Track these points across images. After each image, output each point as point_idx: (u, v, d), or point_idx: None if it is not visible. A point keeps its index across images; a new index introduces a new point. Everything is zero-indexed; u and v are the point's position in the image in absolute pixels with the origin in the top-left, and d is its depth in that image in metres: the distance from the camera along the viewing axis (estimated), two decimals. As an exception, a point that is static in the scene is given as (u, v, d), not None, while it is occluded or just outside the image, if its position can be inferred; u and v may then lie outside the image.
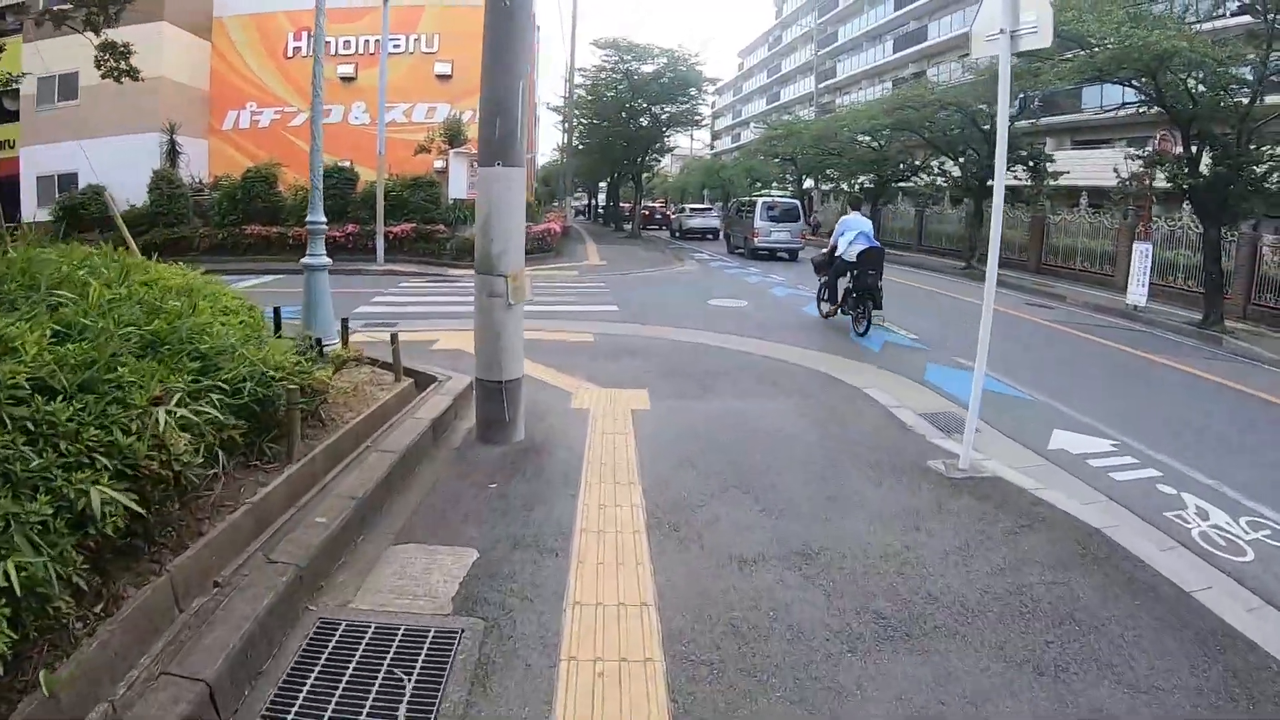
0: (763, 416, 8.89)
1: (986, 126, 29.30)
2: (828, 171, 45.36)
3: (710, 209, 55.46)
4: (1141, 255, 20.19)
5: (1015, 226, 31.67)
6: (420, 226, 26.52)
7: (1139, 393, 11.95)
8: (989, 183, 30.18)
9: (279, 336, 10.06)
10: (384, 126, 25.55)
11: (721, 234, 42.61)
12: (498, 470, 6.82)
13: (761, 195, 43.17)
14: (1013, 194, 32.71)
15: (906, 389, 10.93)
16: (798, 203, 36.94)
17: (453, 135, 28.72)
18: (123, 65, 12.72)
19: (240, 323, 6.76)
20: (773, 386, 10.50)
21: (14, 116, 33.81)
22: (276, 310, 10.62)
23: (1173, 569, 5.47)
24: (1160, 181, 20.67)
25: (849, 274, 15.28)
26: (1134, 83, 19.66)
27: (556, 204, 47.20)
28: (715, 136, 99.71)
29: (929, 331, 15.58)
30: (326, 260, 11.00)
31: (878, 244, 15.51)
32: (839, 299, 15.96)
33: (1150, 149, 20.93)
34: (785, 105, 75.04)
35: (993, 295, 7.25)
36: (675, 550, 5.36)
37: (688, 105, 43.28)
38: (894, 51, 58.87)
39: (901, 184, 40.50)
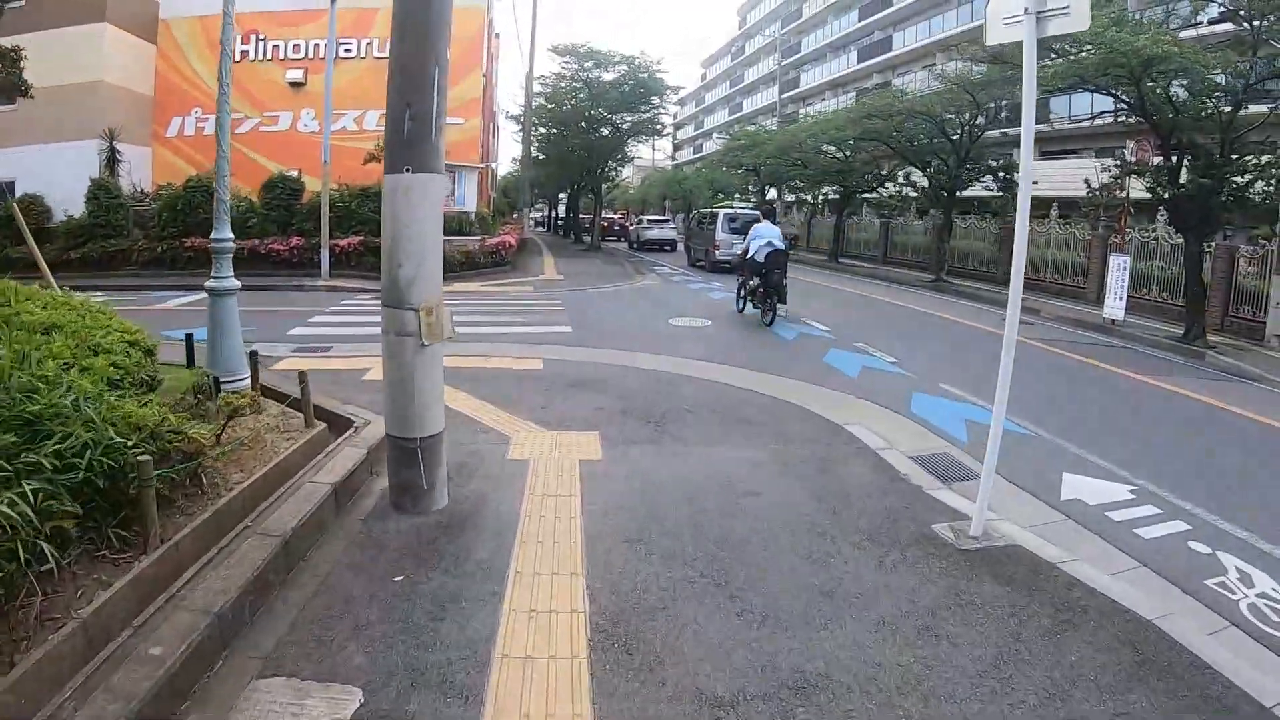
0: (735, 470, 7.60)
1: (956, 135, 28.40)
2: (794, 182, 44.39)
3: (668, 220, 55.13)
4: (1119, 268, 19.18)
5: (983, 238, 30.94)
6: (369, 239, 25.00)
7: (1141, 422, 10.75)
8: (958, 193, 29.47)
9: (192, 368, 8.76)
10: (329, 134, 24.10)
11: (682, 246, 41.70)
12: (408, 554, 5.47)
13: (723, 206, 41.34)
14: (980, 205, 32.00)
15: (892, 424, 9.70)
16: (759, 214, 34.61)
17: (403, 144, 27.27)
18: (12, 76, 11.14)
19: (112, 365, 5.54)
20: (744, 426, 9.20)
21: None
22: (189, 338, 9.29)
23: (1248, 678, 4.36)
24: (1139, 191, 19.74)
25: (760, 274, 17.56)
26: (1113, 91, 18.64)
27: (515, 215, 45.55)
28: (677, 147, 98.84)
29: (908, 354, 14.34)
30: (234, 284, 9.56)
31: (782, 248, 17.60)
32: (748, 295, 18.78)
33: (1127, 158, 20.05)
34: (748, 116, 74.01)
35: (1015, 326, 5.97)
36: (626, 687, 4.02)
37: (649, 114, 41.97)
38: (858, 61, 58.10)
39: (866, 195, 39.63)
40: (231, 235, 9.65)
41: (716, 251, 30.31)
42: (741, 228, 29.07)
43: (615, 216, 64.85)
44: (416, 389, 5.85)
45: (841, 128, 33.58)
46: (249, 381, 8.97)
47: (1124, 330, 18.64)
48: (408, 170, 5.63)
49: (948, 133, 28.69)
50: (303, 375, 7.99)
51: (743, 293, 18.99)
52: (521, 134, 42.75)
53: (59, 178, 27.35)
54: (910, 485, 7.40)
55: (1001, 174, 29.54)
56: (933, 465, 8.16)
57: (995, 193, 29.96)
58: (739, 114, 79.29)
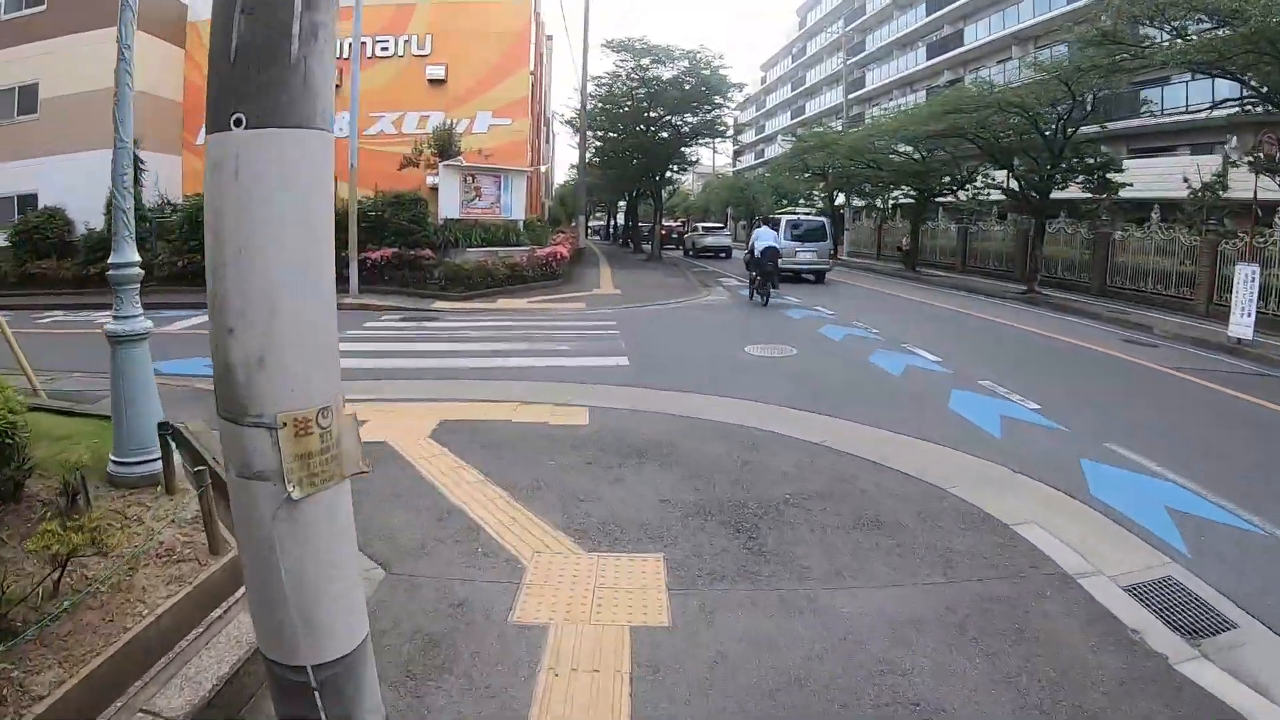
0: (887, 646, 4.52)
1: (1049, 130, 24.97)
2: (863, 186, 41.19)
3: (723, 227, 52.97)
4: (1246, 279, 15.97)
5: (1071, 244, 27.99)
6: (403, 251, 22.32)
7: None
8: (1052, 195, 26.13)
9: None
10: (355, 134, 21.42)
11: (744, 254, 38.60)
12: None
13: (786, 213, 39.46)
14: (1069, 208, 28.60)
15: (1073, 517, 6.67)
16: (824, 220, 33.29)
17: (444, 146, 24.48)
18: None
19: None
20: (878, 534, 6.08)
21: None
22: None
23: None
24: (1270, 190, 16.55)
25: (759, 267, 21.51)
26: (1240, 76, 15.40)
27: (573, 224, 42.51)
28: (738, 153, 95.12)
29: (1045, 394, 10.99)
30: (142, 327, 6.59)
31: (777, 247, 21.91)
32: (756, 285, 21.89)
33: (1228, 154, 16.81)
34: (811, 119, 70.23)
35: None
36: None
37: (711, 114, 38.87)
38: (927, 58, 54.38)
39: (942, 199, 36.55)
40: (137, 259, 6.60)
41: (780, 259, 27.33)
42: (804, 234, 29.64)
43: (675, 224, 62.09)
44: (290, 581, 2.71)
45: (923, 122, 30.09)
46: (160, 464, 6.13)
47: (1255, 351, 15.39)
48: (239, 123, 2.45)
49: (1041, 127, 25.26)
50: (201, 477, 5.06)
51: (755, 284, 22.06)
52: (575, 134, 39.95)
53: (80, 189, 25.18)
54: (1151, 656, 4.48)
55: (1098, 173, 26.34)
56: (1162, 604, 5.21)
57: (1088, 194, 27.12)
58: (801, 117, 75.66)
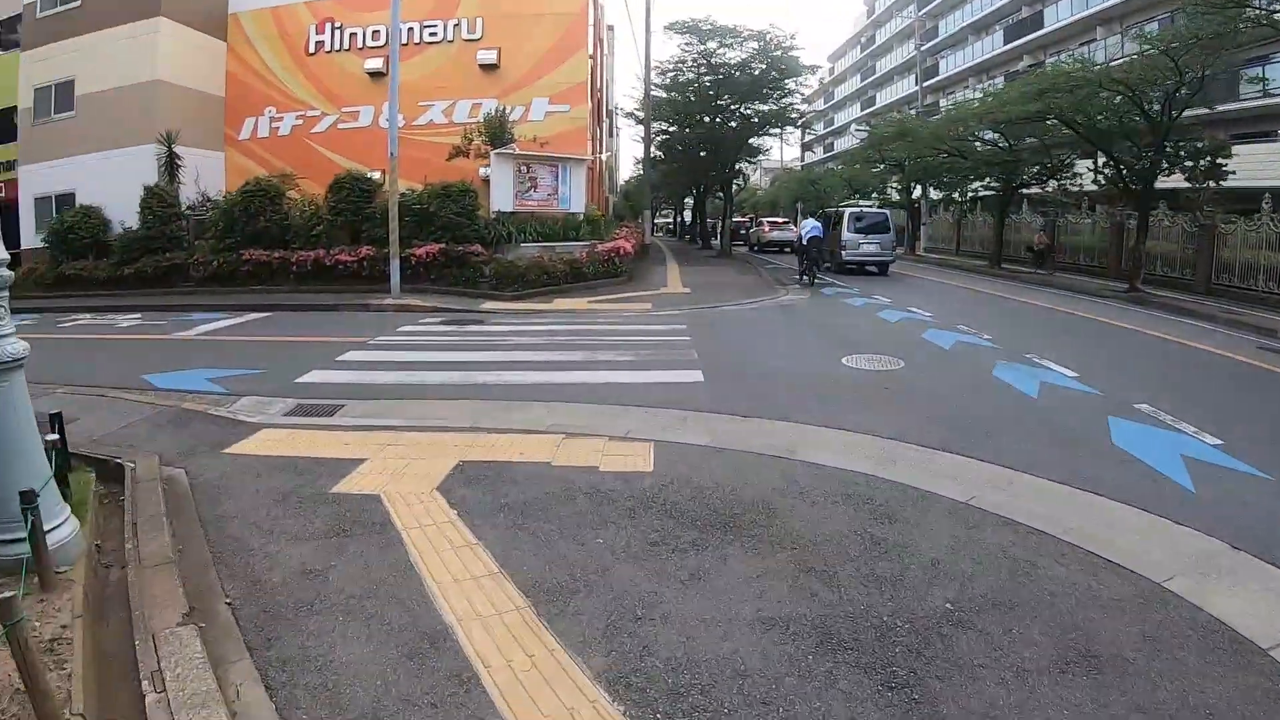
0: None
1: (1155, 112, 22.36)
2: (943, 178, 38.32)
3: (788, 222, 49.50)
4: None
5: (1170, 238, 24.97)
6: (450, 247, 20.31)
7: None
8: (1155, 184, 23.38)
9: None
10: (395, 120, 19.32)
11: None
12: None
13: (849, 206, 37.23)
14: (1167, 199, 26.13)
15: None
16: (886, 213, 32.01)
17: (496, 133, 22.37)
18: None
19: None
20: (1097, 680, 3.71)
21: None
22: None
23: None
24: None
25: (804, 252, 24.20)
26: None
27: (638, 220, 40.11)
28: (806, 147, 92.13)
29: (1226, 423, 8.41)
30: (16, 350, 4.38)
31: (819, 235, 24.64)
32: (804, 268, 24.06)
33: None
34: (882, 109, 67.35)
35: None
36: None
37: (783, 102, 36.36)
38: (1004, 43, 51.29)
39: (1028, 190, 33.81)
40: (5, 256, 4.34)
41: (844, 252, 28.28)
42: (868, 227, 28.85)
43: (741, 220, 59.71)
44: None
45: (1014, 104, 27.19)
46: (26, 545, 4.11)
47: None
48: None
49: (1146, 109, 22.46)
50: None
51: (804, 267, 24.21)
52: (639, 124, 37.68)
53: (117, 187, 24.10)
54: None
55: (1205, 159, 23.45)
56: None
57: (1188, 183, 24.17)
58: (872, 108, 72.71)
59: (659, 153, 43.55)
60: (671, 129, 40.01)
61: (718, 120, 36.17)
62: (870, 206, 37.56)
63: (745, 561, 4.94)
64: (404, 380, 10.57)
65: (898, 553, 5.09)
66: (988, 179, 34.45)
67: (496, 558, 4.93)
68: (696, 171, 44.16)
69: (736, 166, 41.81)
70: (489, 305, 18.26)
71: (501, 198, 21.69)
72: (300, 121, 28.28)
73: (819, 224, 25.89)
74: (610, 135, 44.61)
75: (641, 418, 8.45)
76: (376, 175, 25.64)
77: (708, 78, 34.57)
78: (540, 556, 4.97)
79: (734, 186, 45.09)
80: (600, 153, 35.12)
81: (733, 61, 33.58)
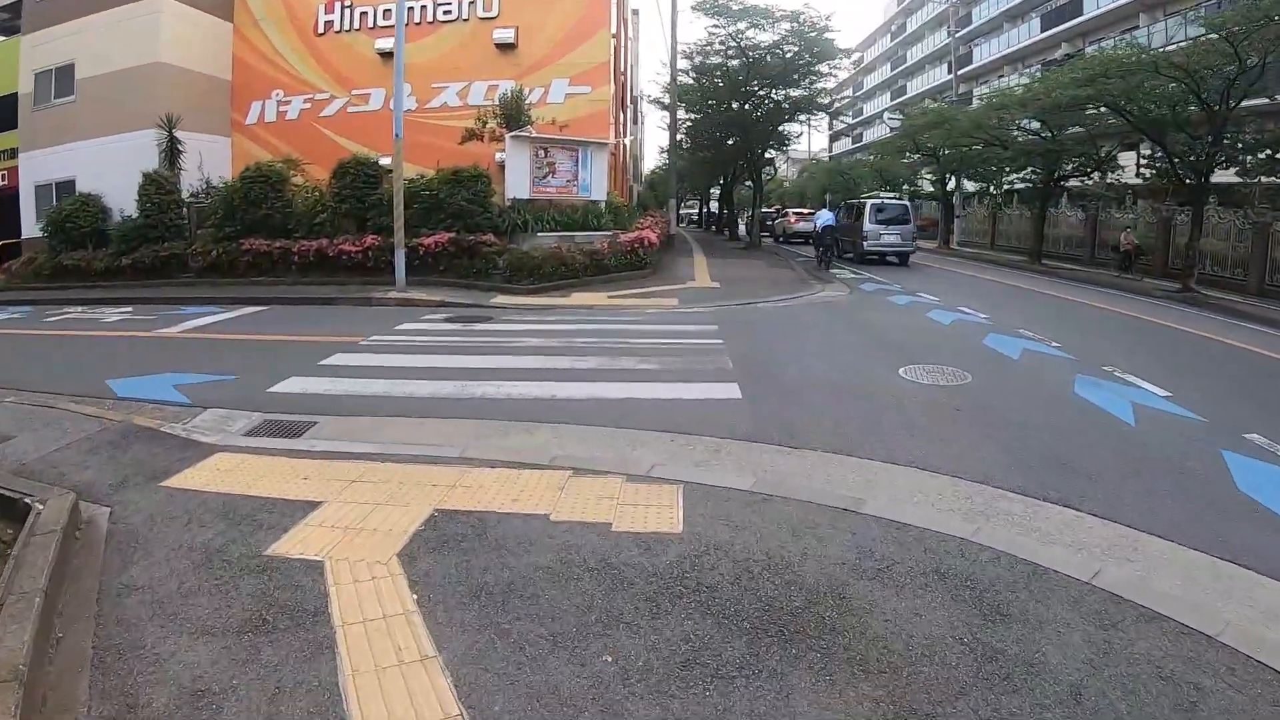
0: None
1: (1214, 101, 20.82)
2: (981, 169, 36.83)
3: (814, 213, 47.94)
4: None
5: (1221, 235, 23.42)
6: (460, 237, 18.83)
7: None
8: (1211, 177, 22.23)
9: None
10: (400, 100, 17.87)
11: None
12: None
13: (870, 197, 37.45)
14: (1218, 194, 25.29)
15: None
16: (907, 204, 32.49)
17: (511, 115, 20.86)
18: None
19: None
20: None
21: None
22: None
23: None
24: None
25: (820, 240, 26.89)
26: None
27: (663, 210, 38.26)
28: (834, 138, 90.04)
29: None
30: None
31: (833, 224, 27.48)
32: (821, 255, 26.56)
33: None
34: (913, 99, 65.31)
35: None
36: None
37: (816, 86, 34.74)
38: (1041, 30, 49.11)
39: (1070, 183, 32.46)
40: None
41: (865, 242, 28.75)
42: (889, 218, 29.20)
43: (769, 211, 58.19)
44: None
45: (1067, 87, 25.42)
46: None
47: None
48: None
49: (1204, 96, 20.83)
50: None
51: (820, 254, 26.65)
52: (665, 109, 36.13)
53: (117, 174, 22.81)
54: None
55: (1265, 152, 21.94)
56: None
57: (1239, 178, 23.06)
58: (902, 98, 70.60)
59: (685, 139, 41.97)
60: (698, 115, 38.36)
61: (747, 106, 34.42)
62: (893, 198, 37.45)
63: (816, 699, 3.38)
64: (391, 391, 9.08)
65: (1023, 676, 3.53)
66: (1028, 170, 32.81)
67: (459, 687, 3.41)
68: (724, 160, 42.45)
69: (766, 154, 40.24)
70: (500, 300, 16.77)
71: (517, 184, 20.19)
72: (308, 105, 26.84)
73: (832, 214, 29.30)
74: (635, 123, 42.95)
75: (668, 448, 6.92)
76: (386, 161, 24.31)
77: (736, 61, 32.82)
78: (521, 688, 3.42)
79: (763, 176, 43.73)
80: (623, 137, 33.38)
81: (764, 44, 31.77)
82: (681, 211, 50.27)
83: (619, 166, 32.09)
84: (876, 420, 7.89)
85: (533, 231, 19.73)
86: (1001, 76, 52.74)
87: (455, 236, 18.72)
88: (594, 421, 7.77)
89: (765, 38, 31.94)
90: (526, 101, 21.57)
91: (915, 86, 69.60)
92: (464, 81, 24.97)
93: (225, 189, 21.24)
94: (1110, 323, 15.64)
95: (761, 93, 34.02)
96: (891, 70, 78.32)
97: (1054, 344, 12.18)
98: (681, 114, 37.61)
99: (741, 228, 47.02)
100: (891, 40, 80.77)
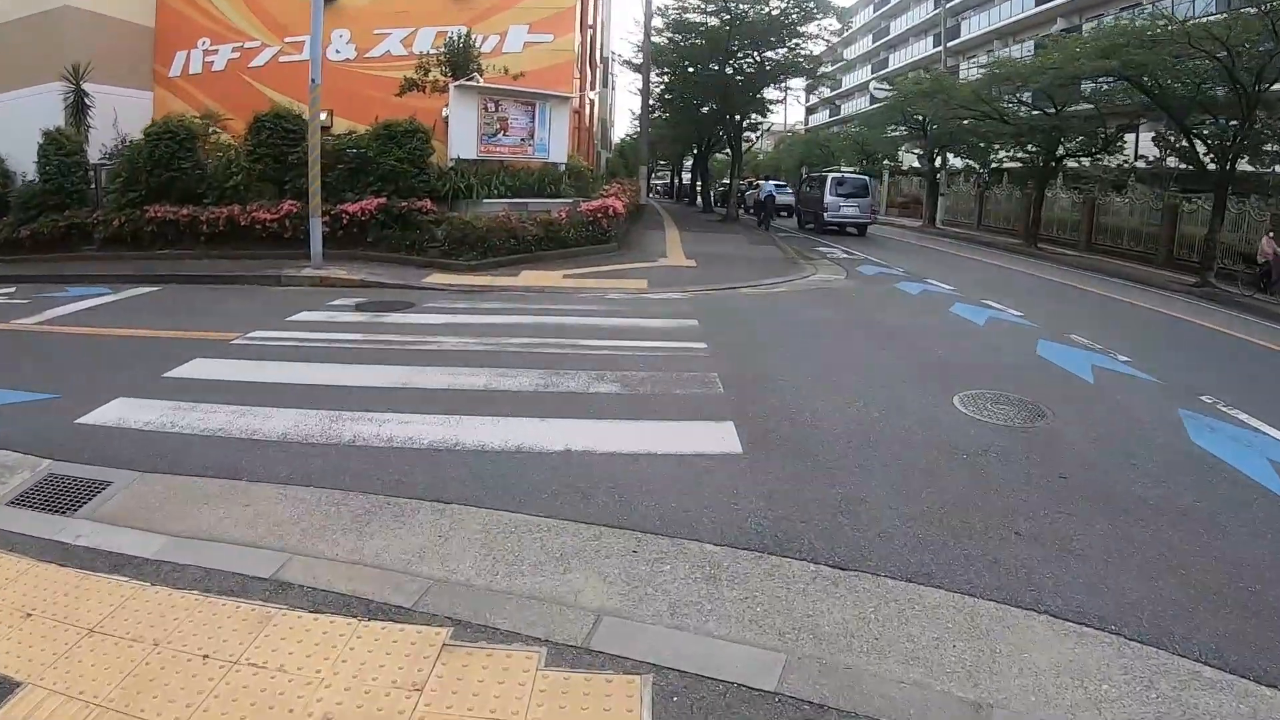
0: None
1: (1249, 80, 18.36)
2: (970, 143, 34.72)
3: (785, 185, 47.44)
4: None
5: (1236, 226, 21.39)
6: (392, 203, 15.70)
7: None
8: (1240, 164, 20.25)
9: None
10: (319, 29, 14.73)
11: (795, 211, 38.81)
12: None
13: (831, 171, 37.36)
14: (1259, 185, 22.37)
15: None
16: (867, 179, 33.08)
17: (457, 63, 17.79)
18: None
19: None
20: None
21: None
22: None
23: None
24: None
25: (763, 207, 32.22)
26: None
27: (634, 178, 34.84)
28: (810, 110, 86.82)
29: None
30: None
31: (774, 195, 34.09)
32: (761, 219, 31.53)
33: None
34: (895, 72, 62.27)
35: None
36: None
37: (801, 50, 31.83)
38: (1035, 4, 46.54)
39: (1073, 161, 29.68)
40: None
41: (825, 213, 30.02)
42: (848, 191, 30.38)
43: (741, 183, 55.58)
44: None
45: (1090, 56, 22.60)
46: None
47: None
48: None
49: (1237, 75, 18.34)
50: None
51: (760, 218, 32.04)
52: (639, 86, 32.97)
53: (21, 134, 19.17)
54: None
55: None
56: None
57: (1254, 165, 20.65)
58: (883, 71, 67.57)
59: (658, 106, 38.95)
60: (673, 78, 35.33)
61: (729, 68, 31.35)
62: (852, 172, 36.53)
63: None
64: (232, 428, 6.07)
65: None
66: (1029, 146, 30.05)
67: None
68: (700, 127, 40.12)
69: (748, 121, 37.45)
70: (434, 279, 13.75)
71: (462, 141, 17.11)
72: (237, 55, 23.54)
73: (773, 185, 37.22)
74: (605, 86, 39.63)
75: (627, 567, 4.07)
76: (322, 116, 21.24)
77: (717, 19, 29.70)
78: None
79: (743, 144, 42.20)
80: (589, 91, 29.81)
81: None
82: (652, 181, 46.85)
83: (584, 128, 28.86)
84: (954, 501, 5.04)
85: (478, 197, 16.68)
86: (990, 51, 50.15)
87: (385, 202, 15.60)
88: (511, 494, 4.89)
89: (751, -5, 28.94)
90: (477, 48, 18.49)
91: (898, 60, 66.70)
92: (409, 28, 21.74)
93: (129, 149, 17.95)
94: (1159, 325, 13.12)
95: (743, 55, 30.94)
96: (874, 42, 75.17)
97: (1122, 358, 9.42)
98: (655, 78, 34.55)
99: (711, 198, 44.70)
100: (875, 11, 77.55)
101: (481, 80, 17.78)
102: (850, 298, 13.55)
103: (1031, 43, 42.61)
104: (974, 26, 54.21)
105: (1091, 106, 26.61)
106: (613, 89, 50.65)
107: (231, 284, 13.85)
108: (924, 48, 60.60)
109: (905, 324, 11.22)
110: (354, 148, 16.17)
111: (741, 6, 28.59)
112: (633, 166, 37.37)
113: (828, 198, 30.00)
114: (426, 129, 16.59)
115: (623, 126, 73.78)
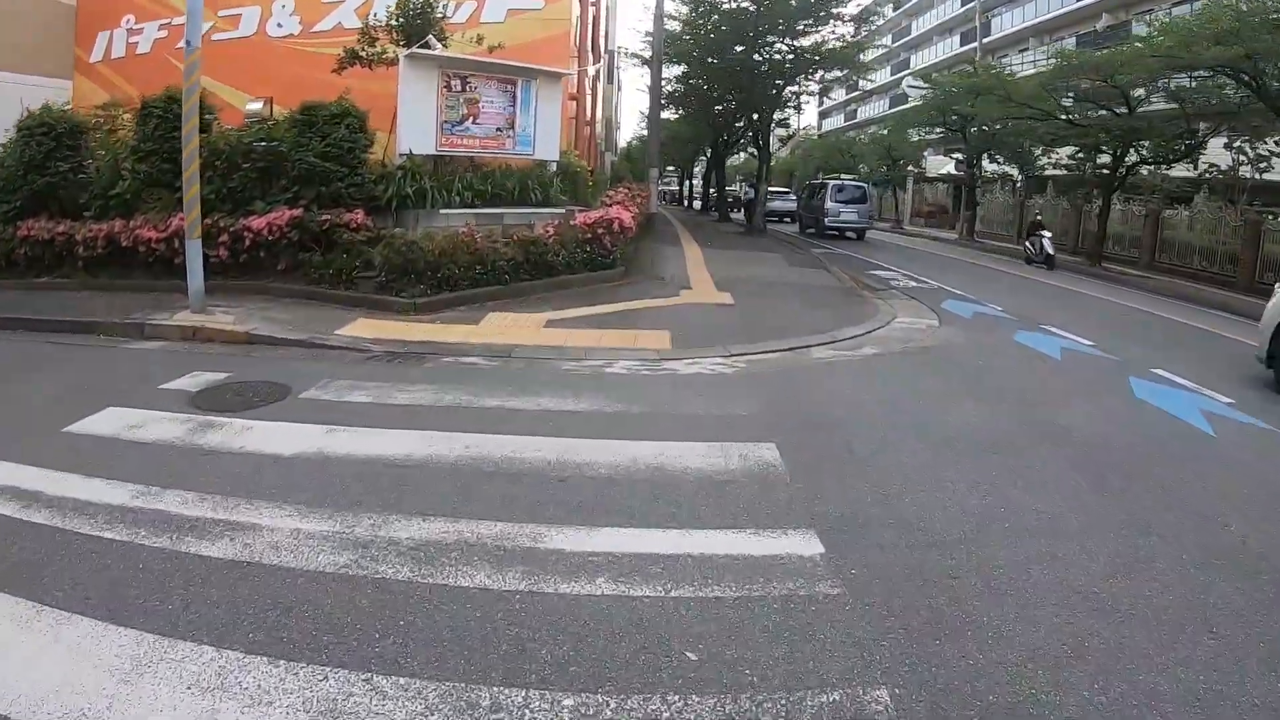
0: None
1: None
2: (1022, 147, 31.10)
3: (787, 191, 49.50)
4: None
5: None
6: (309, 216, 11.10)
7: None
8: None
9: None
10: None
11: (796, 216, 40.27)
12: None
13: (832, 178, 38.23)
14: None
15: None
16: (865, 186, 34.76)
17: (413, 30, 13.20)
18: None
19: None
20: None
21: None
22: None
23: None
24: None
25: (749, 206, 34.03)
26: None
27: (641, 184, 29.65)
28: (824, 115, 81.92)
29: None
30: None
31: (754, 197, 32.07)
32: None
33: None
34: (919, 72, 57.88)
35: None
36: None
37: (837, 32, 27.50)
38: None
39: (1138, 170, 25.26)
40: None
41: (826, 218, 31.01)
42: (848, 198, 31.49)
43: (733, 188, 52.71)
44: None
45: (1199, 42, 18.16)
46: None
47: None
48: None
49: None
50: None
51: (745, 217, 34.26)
52: (648, 82, 28.36)
53: None
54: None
55: None
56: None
57: None
58: (904, 72, 63.01)
59: (669, 104, 34.45)
60: (687, 70, 31.10)
61: (757, 54, 26.66)
62: (851, 179, 37.77)
63: None
64: None
65: None
66: (1099, 151, 25.56)
67: None
68: (717, 125, 36.02)
69: (777, 115, 33.58)
70: (355, 330, 9.17)
71: (416, 131, 12.39)
72: (164, 34, 19.05)
73: (752, 189, 36.18)
74: (610, 82, 34.85)
75: None
76: (256, 105, 16.67)
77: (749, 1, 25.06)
78: None
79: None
80: (588, 67, 24.06)
81: None
82: (660, 187, 42.00)
83: (584, 121, 23.94)
84: None
85: (433, 206, 11.93)
86: (1024, 49, 45.90)
87: (301, 215, 10.99)
88: None
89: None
90: (441, 12, 13.88)
91: (919, 60, 62.22)
92: (365, -4, 17.21)
93: (4, 149, 13.42)
94: None
95: (772, 41, 26.29)
96: (894, 42, 70.48)
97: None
98: (667, 73, 29.90)
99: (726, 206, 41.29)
100: (895, 10, 72.93)
101: (443, 49, 13.14)
102: (979, 369, 8.69)
103: (1073, 40, 38.37)
104: (1006, 24, 50.15)
105: (1175, 105, 22.33)
106: (619, 89, 45.99)
107: (78, 334, 9.35)
108: (949, 47, 56.76)
109: (1109, 433, 6.49)
110: (265, 139, 11.53)
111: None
112: (640, 170, 32.54)
113: (829, 204, 31.16)
114: (360, 113, 11.84)
115: (629, 129, 69.38)
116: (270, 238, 10.96)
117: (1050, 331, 11.13)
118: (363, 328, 9.30)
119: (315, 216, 10.96)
